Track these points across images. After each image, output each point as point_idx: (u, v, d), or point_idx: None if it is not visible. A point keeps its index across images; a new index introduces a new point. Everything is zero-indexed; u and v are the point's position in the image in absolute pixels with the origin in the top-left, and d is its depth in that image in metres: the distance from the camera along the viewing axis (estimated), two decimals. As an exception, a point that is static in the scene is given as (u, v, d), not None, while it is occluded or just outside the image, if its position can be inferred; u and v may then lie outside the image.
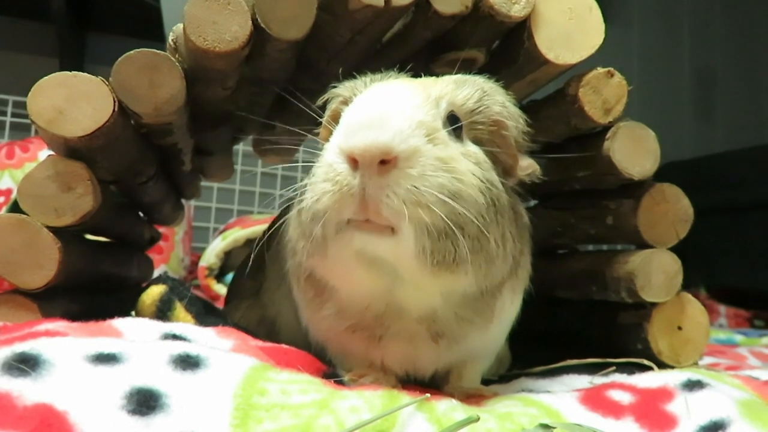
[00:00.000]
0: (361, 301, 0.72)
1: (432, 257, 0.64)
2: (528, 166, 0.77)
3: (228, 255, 2.47)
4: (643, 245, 0.96)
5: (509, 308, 0.81)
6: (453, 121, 0.71)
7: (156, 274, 1.26)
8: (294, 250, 0.76)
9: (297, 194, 0.71)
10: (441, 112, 0.70)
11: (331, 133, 0.70)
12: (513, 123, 0.75)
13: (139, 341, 0.64)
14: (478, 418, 0.58)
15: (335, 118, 0.74)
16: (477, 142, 0.73)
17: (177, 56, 0.84)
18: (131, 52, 0.79)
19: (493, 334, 0.81)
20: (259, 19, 0.78)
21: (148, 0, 2.44)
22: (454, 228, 0.63)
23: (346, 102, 0.75)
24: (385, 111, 0.64)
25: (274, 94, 1.10)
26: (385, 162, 0.61)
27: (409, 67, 0.81)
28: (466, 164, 0.67)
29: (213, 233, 2.91)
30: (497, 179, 0.71)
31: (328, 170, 0.64)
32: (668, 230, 0.95)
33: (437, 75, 0.78)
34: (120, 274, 1.17)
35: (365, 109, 0.65)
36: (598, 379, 0.87)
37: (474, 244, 0.66)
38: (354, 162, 0.62)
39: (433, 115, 0.68)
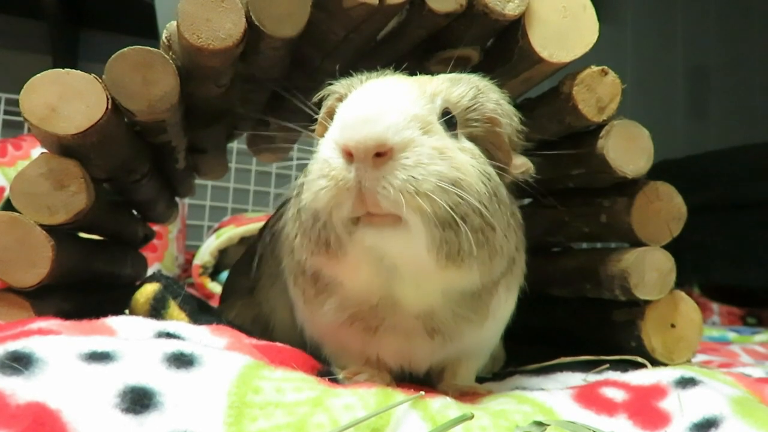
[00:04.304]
0: (362, 293, 0.72)
1: (441, 249, 0.63)
2: (522, 165, 0.77)
3: (222, 253, 2.46)
4: (636, 243, 0.96)
5: (504, 306, 0.81)
6: (448, 118, 0.71)
7: (150, 272, 1.26)
8: (292, 248, 0.76)
9: (294, 192, 0.71)
10: (436, 108, 0.70)
11: (326, 129, 0.70)
12: (507, 120, 0.75)
13: (133, 339, 0.64)
14: (472, 416, 0.58)
15: (331, 115, 0.74)
16: (471, 139, 0.73)
17: (171, 54, 0.83)
18: (125, 49, 0.79)
19: (488, 332, 0.81)
20: (253, 17, 0.78)
21: (141, -3, 2.43)
22: (456, 218, 0.63)
23: (341, 99, 0.75)
24: (380, 105, 0.64)
25: (268, 92, 1.09)
26: (381, 155, 0.61)
27: (404, 65, 0.81)
28: (463, 155, 0.67)
29: (207, 231, 2.91)
30: (494, 172, 0.71)
31: (323, 166, 0.64)
32: (662, 228, 0.96)
33: (432, 73, 0.78)
34: (113, 273, 1.17)
35: (360, 103, 0.65)
36: (592, 377, 0.87)
37: (479, 235, 0.65)
38: (349, 155, 0.62)
39: (428, 109, 0.68)
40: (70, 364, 0.55)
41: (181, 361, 0.58)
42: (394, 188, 0.61)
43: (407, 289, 0.69)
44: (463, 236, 0.64)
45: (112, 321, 0.73)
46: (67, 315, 0.73)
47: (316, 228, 0.67)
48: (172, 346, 0.61)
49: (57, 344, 0.57)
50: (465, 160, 0.67)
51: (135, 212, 1.30)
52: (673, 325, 0.97)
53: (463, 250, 0.64)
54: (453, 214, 0.62)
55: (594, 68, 0.90)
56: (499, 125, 0.74)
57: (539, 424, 0.59)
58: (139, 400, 0.52)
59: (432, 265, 0.65)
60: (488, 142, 0.74)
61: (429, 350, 0.76)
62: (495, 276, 0.73)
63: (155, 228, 1.52)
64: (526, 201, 1.15)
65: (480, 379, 0.89)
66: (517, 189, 0.82)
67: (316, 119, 0.79)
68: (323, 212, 0.65)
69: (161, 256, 2.45)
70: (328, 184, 0.63)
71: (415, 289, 0.69)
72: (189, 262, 2.61)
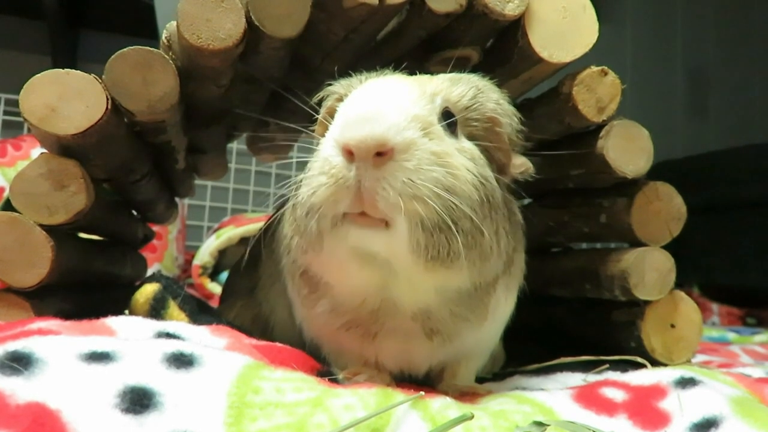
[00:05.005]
0: (355, 297, 0.72)
1: (426, 252, 0.64)
2: (521, 165, 0.77)
3: (222, 253, 2.46)
4: (636, 243, 0.96)
5: (503, 306, 0.81)
6: (448, 118, 0.71)
7: (149, 272, 1.26)
8: (288, 247, 0.76)
9: (291, 191, 0.71)
10: (436, 107, 0.70)
11: (327, 129, 0.70)
12: (507, 120, 0.75)
13: (133, 340, 0.64)
14: (472, 416, 0.58)
15: (331, 115, 0.74)
16: (471, 139, 0.73)
17: (170, 54, 0.83)
18: (125, 49, 0.79)
19: (487, 332, 0.81)
20: (252, 17, 0.78)
21: (141, -3, 2.43)
22: (448, 222, 0.63)
23: (341, 99, 0.75)
24: (381, 105, 0.64)
25: (268, 92, 1.09)
26: (381, 154, 0.61)
27: (403, 65, 0.81)
28: (461, 159, 0.67)
29: (207, 232, 2.90)
30: (492, 175, 0.71)
31: (323, 164, 0.64)
32: (661, 228, 0.96)
33: (431, 73, 0.78)
34: (113, 273, 1.17)
35: (361, 103, 0.66)
36: (592, 377, 0.87)
37: (468, 239, 0.66)
38: (350, 154, 0.62)
39: (428, 110, 0.68)
40: (69, 364, 0.55)
41: (181, 361, 0.58)
42: (394, 190, 0.61)
43: (403, 287, 0.69)
44: (453, 239, 0.64)
45: (112, 321, 0.73)
46: (67, 315, 0.73)
47: (307, 224, 0.67)
48: (172, 347, 0.61)
49: (57, 344, 0.57)
50: (462, 164, 0.67)
51: (135, 212, 1.30)
52: (672, 326, 0.97)
53: (453, 252, 0.65)
54: (445, 218, 0.63)
55: (594, 68, 0.90)
56: (499, 125, 0.74)
57: (539, 424, 0.59)
58: (138, 400, 0.52)
59: (417, 264, 0.65)
60: (488, 142, 0.74)
61: (428, 352, 0.76)
62: (489, 276, 0.73)
63: (155, 228, 1.52)
64: (526, 201, 1.15)
65: (480, 379, 0.89)
66: (517, 189, 0.82)
67: (316, 119, 0.80)
68: (316, 207, 0.65)
69: (161, 257, 2.45)
70: (327, 182, 0.63)
71: (409, 287, 0.69)
72: (189, 262, 2.61)
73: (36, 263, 0.78)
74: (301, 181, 0.69)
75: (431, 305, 0.72)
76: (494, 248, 0.70)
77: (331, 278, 0.72)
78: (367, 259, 0.66)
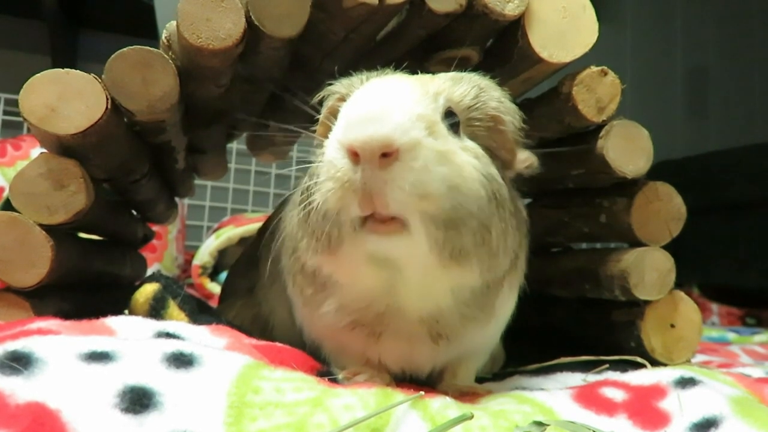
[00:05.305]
0: (364, 297, 0.72)
1: (444, 249, 0.64)
2: (526, 159, 0.77)
3: (222, 253, 2.46)
4: (636, 243, 0.96)
5: (507, 304, 0.81)
6: (450, 117, 0.71)
7: (149, 272, 1.26)
8: (294, 248, 0.76)
9: (293, 191, 0.71)
10: (439, 107, 0.70)
11: (329, 129, 0.70)
12: (510, 118, 0.75)
13: (133, 339, 0.64)
14: (472, 416, 0.58)
15: (333, 115, 0.74)
16: (474, 138, 0.73)
17: (170, 54, 0.83)
18: (124, 49, 0.79)
19: (491, 331, 0.81)
20: (252, 17, 0.78)
21: (141, -3, 2.43)
22: (457, 220, 0.63)
23: (343, 99, 0.74)
24: (385, 104, 0.63)
25: (268, 92, 1.09)
26: (387, 155, 0.61)
27: (404, 65, 0.81)
28: (466, 158, 0.67)
29: (206, 232, 2.90)
30: (497, 173, 0.71)
31: (329, 167, 0.64)
32: (661, 228, 0.96)
33: (432, 73, 0.78)
34: (113, 273, 1.17)
35: (364, 103, 0.65)
36: (592, 377, 0.87)
37: (476, 237, 0.66)
38: (355, 156, 0.61)
39: (432, 109, 0.68)
40: (69, 364, 0.55)
41: (181, 361, 0.58)
42: (403, 192, 0.61)
43: (412, 291, 0.69)
44: (463, 237, 0.64)
45: (111, 321, 0.73)
46: (66, 315, 0.73)
47: (324, 228, 0.67)
48: (172, 346, 0.61)
49: (56, 344, 0.57)
50: (467, 162, 0.67)
51: (134, 212, 1.30)
52: (672, 326, 0.97)
53: (464, 249, 0.65)
54: (454, 216, 0.63)
55: (593, 68, 0.90)
56: (503, 123, 0.74)
57: (539, 424, 0.59)
58: (138, 400, 0.52)
59: (435, 264, 0.65)
60: (491, 140, 0.74)
61: (433, 354, 0.76)
62: (498, 273, 0.74)
63: (155, 228, 1.52)
64: (526, 201, 1.15)
65: (480, 379, 0.89)
66: (518, 188, 0.82)
67: (317, 119, 0.79)
68: (331, 213, 0.65)
69: (161, 257, 2.45)
70: (334, 186, 0.63)
71: (420, 291, 0.69)
72: (188, 262, 2.61)
73: (36, 263, 0.78)
74: (309, 185, 0.68)
75: (443, 307, 0.72)
76: (502, 245, 0.70)
77: (343, 278, 0.72)
78: (381, 263, 0.66)
